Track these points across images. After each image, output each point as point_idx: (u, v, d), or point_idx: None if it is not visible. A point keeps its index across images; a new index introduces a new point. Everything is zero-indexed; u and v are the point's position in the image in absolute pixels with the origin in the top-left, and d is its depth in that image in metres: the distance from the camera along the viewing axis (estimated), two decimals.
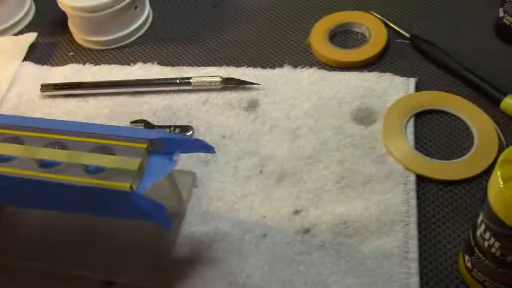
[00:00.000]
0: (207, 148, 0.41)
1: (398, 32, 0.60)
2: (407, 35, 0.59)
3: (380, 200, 0.47)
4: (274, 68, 0.59)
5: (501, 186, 0.32)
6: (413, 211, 0.46)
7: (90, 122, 0.43)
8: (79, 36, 0.66)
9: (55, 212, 0.46)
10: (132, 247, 0.45)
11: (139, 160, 0.38)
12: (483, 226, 0.36)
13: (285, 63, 0.59)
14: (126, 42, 0.65)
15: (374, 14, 0.62)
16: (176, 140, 0.39)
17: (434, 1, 0.64)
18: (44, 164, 0.39)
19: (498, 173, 0.33)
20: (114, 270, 0.45)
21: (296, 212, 0.47)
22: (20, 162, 0.38)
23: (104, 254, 0.46)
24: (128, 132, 0.40)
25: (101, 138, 0.39)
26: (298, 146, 0.52)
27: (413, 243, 0.44)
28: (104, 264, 0.45)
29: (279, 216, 0.47)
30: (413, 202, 0.46)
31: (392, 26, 0.61)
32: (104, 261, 0.45)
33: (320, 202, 0.47)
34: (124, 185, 0.37)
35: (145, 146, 0.39)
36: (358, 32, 0.62)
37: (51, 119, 0.41)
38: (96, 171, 0.38)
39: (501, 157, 0.33)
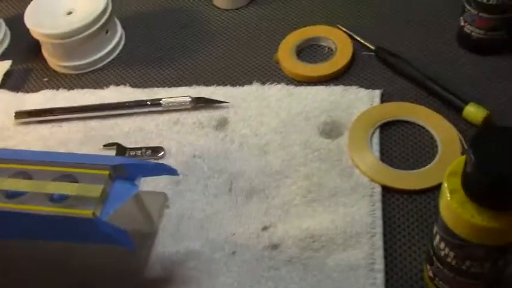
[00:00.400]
0: (170, 171, 0.42)
1: (363, 44, 0.62)
2: (372, 47, 0.61)
3: (346, 213, 0.47)
4: (243, 86, 0.60)
5: (448, 198, 0.33)
6: (379, 222, 0.46)
7: (56, 151, 0.44)
8: (52, 61, 0.67)
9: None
10: (104, 266, 0.46)
11: (102, 186, 0.39)
12: (438, 236, 0.37)
13: (254, 80, 0.60)
14: (99, 65, 0.66)
15: (340, 27, 0.64)
16: (138, 165, 0.40)
17: (398, 13, 0.65)
18: (9, 195, 0.40)
19: (445, 185, 0.34)
20: None
21: (264, 228, 0.48)
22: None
23: (77, 272, 0.47)
24: (90, 159, 0.41)
25: (64, 166, 0.40)
26: (267, 162, 0.52)
27: (379, 254, 0.45)
28: (76, 283, 0.46)
29: (248, 233, 0.48)
30: (379, 213, 0.47)
31: (358, 38, 0.62)
32: (77, 280, 0.46)
33: (288, 217, 0.48)
34: (87, 212, 0.38)
35: (107, 172, 0.40)
36: (325, 46, 0.63)
37: (17, 150, 0.43)
38: (60, 199, 0.39)
39: (448, 170, 0.34)
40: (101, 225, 0.38)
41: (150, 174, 0.42)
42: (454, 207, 0.33)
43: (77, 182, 0.40)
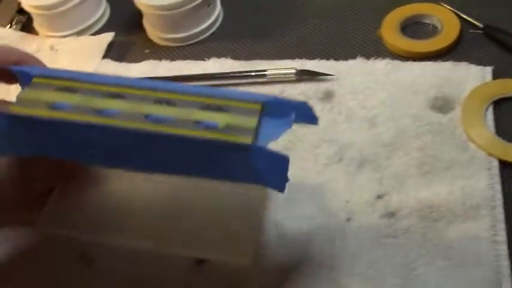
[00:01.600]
0: (312, 118, 0.40)
1: (470, 22, 0.61)
2: (480, 25, 0.59)
3: (464, 185, 0.47)
4: (347, 60, 0.60)
5: None
6: (499, 196, 0.46)
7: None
8: (154, 34, 0.69)
9: (138, 180, 0.47)
10: (222, 220, 0.45)
11: (256, 118, 0.35)
12: None
13: (357, 55, 0.60)
14: (200, 38, 0.68)
15: (444, 5, 0.63)
16: (290, 104, 0.38)
17: None
18: (152, 119, 0.35)
19: None
20: (206, 246, 0.44)
21: (379, 197, 0.48)
22: (124, 116, 0.35)
23: (193, 228, 0.45)
24: (239, 94, 0.37)
25: (211, 97, 0.36)
26: (376, 134, 0.52)
27: (501, 226, 0.44)
28: (193, 239, 0.45)
29: (363, 201, 0.48)
30: (498, 187, 0.46)
31: (464, 16, 0.61)
32: (194, 236, 0.45)
33: (403, 188, 0.48)
34: (245, 139, 0.34)
35: (259, 106, 0.36)
36: (429, 24, 0.62)
37: (156, 81, 0.39)
38: (210, 127, 0.35)
39: None
40: (260, 152, 0.35)
41: (296, 117, 0.38)
42: None
43: (227, 112, 0.36)
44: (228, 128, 0.34)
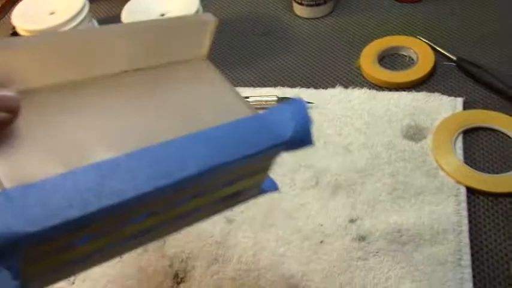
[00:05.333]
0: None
1: (444, 55, 0.64)
2: (454, 58, 0.62)
3: (432, 211, 0.49)
4: (326, 89, 0.63)
5: None
6: (465, 221, 0.48)
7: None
8: None
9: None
10: None
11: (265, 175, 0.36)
12: None
13: (336, 84, 0.63)
14: None
15: (421, 38, 0.66)
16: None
17: (477, 27, 0.67)
18: (182, 219, 0.34)
19: None
20: None
21: (352, 221, 0.50)
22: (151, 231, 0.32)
23: None
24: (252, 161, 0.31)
25: (228, 174, 0.31)
26: (351, 160, 0.55)
27: (466, 251, 0.46)
28: None
29: (336, 225, 0.50)
30: (465, 213, 0.48)
31: (439, 49, 0.64)
32: None
33: (374, 212, 0.50)
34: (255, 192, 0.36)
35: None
36: (405, 56, 0.65)
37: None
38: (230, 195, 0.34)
39: None
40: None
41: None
42: None
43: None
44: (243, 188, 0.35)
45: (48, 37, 0.35)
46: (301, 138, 0.31)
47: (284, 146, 0.31)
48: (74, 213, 0.23)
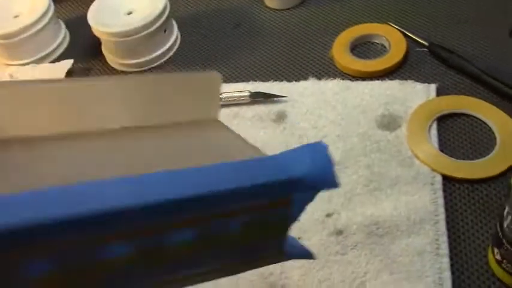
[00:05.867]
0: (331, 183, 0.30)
1: (416, 41, 0.63)
2: (426, 44, 0.62)
3: (408, 201, 0.49)
4: (299, 81, 0.62)
5: None
6: (442, 210, 0.48)
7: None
8: (113, 59, 0.70)
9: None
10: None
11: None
12: (510, 217, 0.38)
13: (309, 76, 0.62)
14: (157, 63, 0.69)
15: (392, 25, 0.65)
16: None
17: (448, 12, 0.67)
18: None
19: None
20: None
21: (328, 215, 0.49)
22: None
23: None
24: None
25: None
26: None
27: (444, 240, 0.46)
28: None
29: (312, 220, 0.49)
30: (441, 201, 0.48)
31: (411, 35, 0.64)
32: None
33: (351, 205, 0.50)
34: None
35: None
36: (378, 43, 0.65)
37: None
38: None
39: None
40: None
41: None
42: None
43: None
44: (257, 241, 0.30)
45: (41, 84, 0.32)
46: (320, 177, 0.27)
47: (296, 186, 0.27)
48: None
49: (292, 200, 0.29)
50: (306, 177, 0.27)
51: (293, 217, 0.30)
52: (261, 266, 0.33)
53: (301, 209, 0.30)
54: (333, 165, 0.27)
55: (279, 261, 0.33)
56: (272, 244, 0.31)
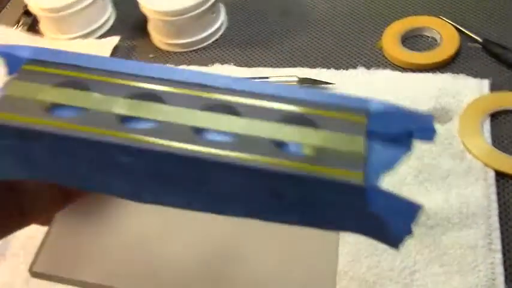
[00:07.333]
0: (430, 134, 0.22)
1: (469, 36, 0.62)
2: (479, 40, 0.61)
3: (460, 194, 0.48)
4: (347, 69, 0.61)
5: None
6: (494, 205, 0.47)
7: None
8: (159, 39, 0.70)
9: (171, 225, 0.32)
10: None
11: (361, 138, 0.21)
12: None
13: (358, 65, 0.61)
14: (204, 45, 0.69)
15: (444, 18, 0.64)
16: (407, 115, 0.22)
17: (503, 7, 0.65)
18: (208, 140, 0.21)
19: None
20: None
21: None
22: (164, 133, 0.21)
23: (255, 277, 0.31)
24: (325, 95, 0.22)
25: (290, 103, 0.22)
26: None
27: (496, 235, 0.45)
28: None
29: None
30: (494, 197, 0.47)
31: (463, 30, 0.62)
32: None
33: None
34: (353, 175, 0.20)
35: (363, 119, 0.21)
36: (428, 36, 0.64)
37: (210, 73, 0.23)
38: (295, 155, 0.21)
39: None
40: (373, 197, 0.21)
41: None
42: None
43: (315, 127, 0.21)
44: (323, 155, 0.21)
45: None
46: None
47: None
48: None
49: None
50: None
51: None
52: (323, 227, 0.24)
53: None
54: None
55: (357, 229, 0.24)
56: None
